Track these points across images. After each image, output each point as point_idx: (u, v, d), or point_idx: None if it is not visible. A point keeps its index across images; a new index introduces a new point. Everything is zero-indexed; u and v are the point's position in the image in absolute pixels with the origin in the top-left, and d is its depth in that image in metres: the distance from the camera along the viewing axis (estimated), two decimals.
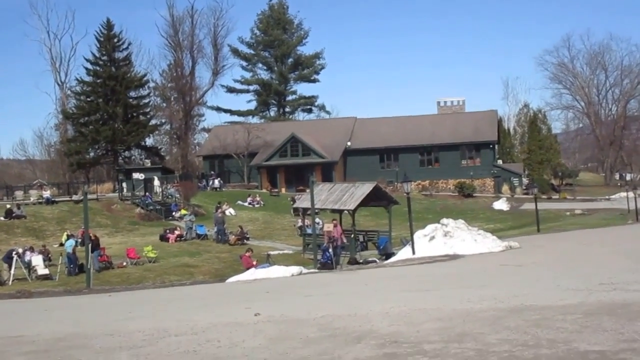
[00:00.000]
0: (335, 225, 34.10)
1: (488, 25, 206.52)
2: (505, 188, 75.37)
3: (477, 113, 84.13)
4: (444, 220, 31.51)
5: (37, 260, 33.36)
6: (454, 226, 30.68)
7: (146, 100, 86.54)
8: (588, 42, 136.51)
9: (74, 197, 57.11)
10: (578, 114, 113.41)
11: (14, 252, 32.69)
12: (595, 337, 9.00)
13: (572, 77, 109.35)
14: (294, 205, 54.60)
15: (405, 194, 32.29)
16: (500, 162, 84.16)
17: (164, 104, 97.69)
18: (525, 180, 78.54)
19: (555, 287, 14.68)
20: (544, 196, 70.05)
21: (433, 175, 78.05)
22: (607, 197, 74.44)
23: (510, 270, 20.61)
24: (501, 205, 66.10)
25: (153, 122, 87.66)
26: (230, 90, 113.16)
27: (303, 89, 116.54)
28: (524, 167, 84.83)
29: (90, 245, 29.84)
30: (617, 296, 12.64)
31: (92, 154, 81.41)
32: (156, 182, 63.74)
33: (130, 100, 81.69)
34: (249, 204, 63.91)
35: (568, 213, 58.67)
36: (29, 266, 32.59)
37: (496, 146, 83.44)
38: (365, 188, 36.81)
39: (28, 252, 34.07)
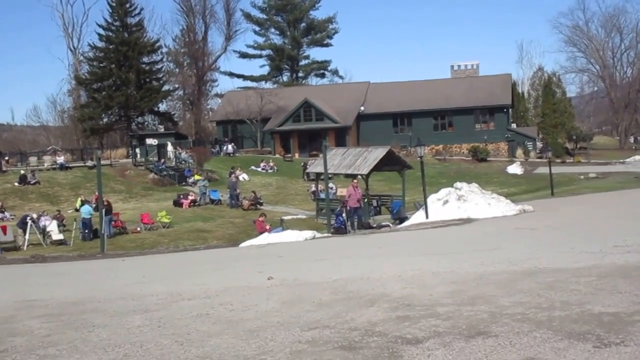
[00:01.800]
0: (355, 187, 33.87)
1: None
2: (519, 152, 75.17)
3: (491, 77, 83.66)
4: (458, 184, 31.42)
5: (51, 226, 33.55)
6: (467, 190, 30.58)
7: (159, 66, 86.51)
8: (603, 4, 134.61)
9: (88, 163, 57.25)
10: (593, 77, 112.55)
11: (28, 218, 32.87)
12: (610, 299, 8.96)
13: (586, 40, 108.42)
14: (307, 170, 54.56)
15: (418, 158, 32.20)
16: (514, 126, 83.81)
17: (177, 70, 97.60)
18: (539, 144, 78.19)
19: (569, 250, 14.62)
20: (558, 160, 69.75)
21: (447, 139, 77.83)
22: (621, 160, 74.08)
23: (524, 233, 20.55)
24: (515, 169, 65.90)
25: (166, 87, 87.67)
26: (243, 55, 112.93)
27: (316, 53, 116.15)
28: (538, 131, 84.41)
29: (104, 210, 29.95)
30: (631, 258, 12.57)
31: (105, 120, 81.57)
32: (169, 148, 63.77)
33: (143, 65, 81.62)
34: (262, 169, 63.94)
35: (582, 177, 58.43)
36: (43, 231, 32.77)
37: (510, 110, 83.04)
38: (378, 152, 36.67)
39: (42, 218, 34.24)
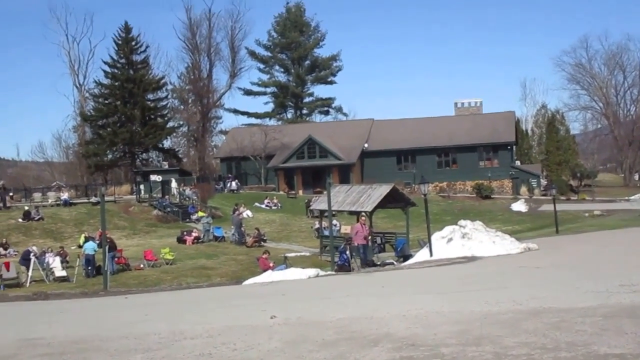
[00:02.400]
0: (363, 224, 33.79)
1: (505, 26, 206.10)
2: (523, 189, 75.05)
3: (494, 114, 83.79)
4: (462, 222, 31.34)
5: (54, 262, 33.50)
6: (471, 228, 30.51)
7: (164, 103, 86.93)
8: (606, 42, 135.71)
9: (92, 199, 57.31)
10: (596, 114, 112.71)
11: (31, 254, 32.83)
12: (616, 340, 8.87)
13: (589, 78, 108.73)
14: (310, 207, 54.54)
15: (422, 196, 32.15)
16: (518, 163, 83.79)
17: (182, 107, 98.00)
18: (543, 182, 78.14)
19: (575, 289, 14.53)
20: (562, 197, 69.66)
21: (451, 176, 77.85)
22: (626, 198, 73.88)
23: (529, 272, 20.44)
24: (519, 206, 65.76)
25: (171, 124, 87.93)
26: (248, 92, 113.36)
27: (320, 90, 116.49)
28: (542, 168, 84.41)
29: (107, 247, 29.92)
30: (638, 298, 12.48)
31: (110, 156, 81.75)
32: (174, 184, 63.86)
33: (148, 102, 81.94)
34: (266, 206, 63.92)
35: (587, 214, 58.29)
36: (46, 268, 32.72)
37: (514, 147, 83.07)
38: (382, 190, 36.64)
39: (47, 254, 34.20)
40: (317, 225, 46.30)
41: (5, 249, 41.33)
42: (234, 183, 74.28)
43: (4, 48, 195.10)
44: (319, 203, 43.10)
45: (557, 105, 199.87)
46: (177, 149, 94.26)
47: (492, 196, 72.90)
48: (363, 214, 35.93)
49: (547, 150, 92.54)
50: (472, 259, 27.03)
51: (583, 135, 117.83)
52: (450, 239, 30.10)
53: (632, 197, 72.92)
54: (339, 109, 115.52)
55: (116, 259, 34.32)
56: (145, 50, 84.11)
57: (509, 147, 78.80)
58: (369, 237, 33.85)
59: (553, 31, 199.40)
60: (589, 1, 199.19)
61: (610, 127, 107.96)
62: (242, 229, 45.48)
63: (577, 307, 11.85)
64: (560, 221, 45.36)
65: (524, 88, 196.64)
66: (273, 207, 63.66)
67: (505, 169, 77.34)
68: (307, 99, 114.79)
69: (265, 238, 45.25)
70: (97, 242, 37.30)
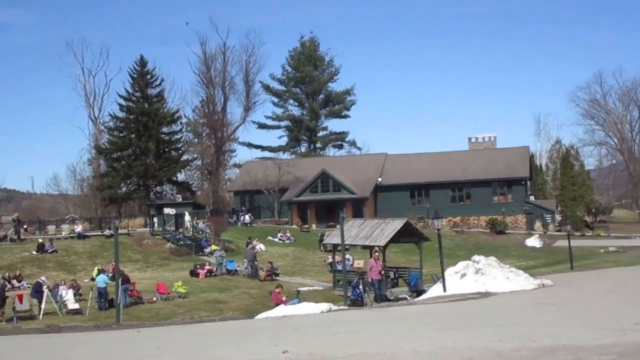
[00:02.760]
0: (377, 259, 33.74)
1: (519, 61, 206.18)
2: (537, 225, 74.69)
3: (508, 149, 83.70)
4: (476, 257, 31.21)
5: (67, 295, 33.51)
6: (485, 263, 30.36)
7: (178, 136, 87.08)
8: (620, 78, 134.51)
9: (106, 232, 57.38)
10: (611, 150, 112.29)
11: (44, 287, 32.89)
12: None
13: (604, 114, 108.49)
14: (323, 241, 54.46)
15: (436, 231, 32.06)
16: (532, 198, 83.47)
17: (196, 140, 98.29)
18: (558, 217, 77.77)
19: (590, 327, 14.41)
20: (577, 233, 69.28)
21: (465, 211, 77.62)
22: None
23: (543, 308, 20.30)
24: (534, 242, 65.44)
25: (185, 157, 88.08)
26: (262, 126, 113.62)
27: (334, 124, 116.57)
28: (556, 204, 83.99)
29: (120, 280, 29.91)
30: None
31: (124, 189, 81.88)
32: (187, 217, 63.88)
33: (163, 135, 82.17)
34: (279, 239, 63.83)
35: (602, 250, 57.90)
36: (59, 300, 32.73)
37: (528, 182, 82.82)
38: (395, 224, 36.58)
39: (60, 287, 34.23)
40: (330, 260, 46.19)
41: (19, 281, 41.37)
42: (247, 216, 74.30)
43: (20, 81, 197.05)
44: (332, 237, 43.02)
45: (572, 140, 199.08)
46: (191, 182, 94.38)
47: (506, 231, 72.59)
48: (376, 248, 35.87)
49: (561, 186, 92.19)
50: (486, 294, 26.88)
51: (598, 171, 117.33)
52: (463, 275, 29.95)
53: None
54: (353, 143, 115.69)
55: (129, 292, 34.29)
56: (160, 84, 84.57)
57: (523, 182, 78.57)
58: (383, 272, 33.68)
59: (567, 66, 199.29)
60: (603, 36, 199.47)
61: (626, 163, 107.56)
62: (256, 262, 45.45)
63: (593, 345, 11.75)
64: (575, 257, 45.08)
65: (538, 123, 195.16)
66: (286, 241, 63.57)
67: (520, 204, 77.05)
68: (320, 133, 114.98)
69: (278, 272, 45.15)
70: (110, 274, 37.41)
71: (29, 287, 38.95)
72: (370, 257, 35.17)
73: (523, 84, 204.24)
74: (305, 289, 38.28)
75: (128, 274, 37.17)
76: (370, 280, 33.06)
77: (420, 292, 32.63)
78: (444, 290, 29.13)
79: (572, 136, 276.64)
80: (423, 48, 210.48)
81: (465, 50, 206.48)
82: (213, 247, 53.64)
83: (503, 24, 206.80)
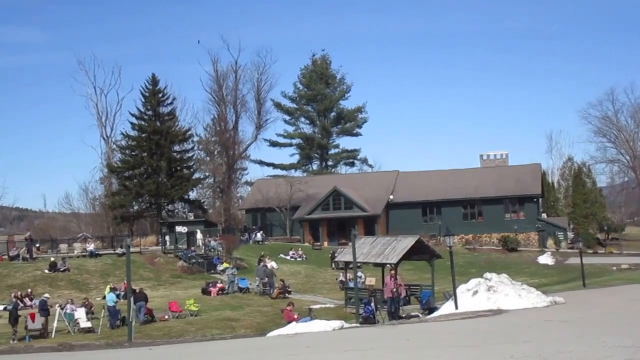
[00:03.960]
0: (391, 277, 33.73)
1: (530, 78, 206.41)
2: (550, 242, 74.51)
3: (520, 167, 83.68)
4: (487, 275, 31.15)
5: (79, 313, 33.61)
6: (497, 281, 30.30)
7: (190, 154, 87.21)
8: (632, 95, 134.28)
9: (118, 250, 57.50)
10: (623, 167, 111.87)
11: (57, 305, 33.03)
12: None
13: (616, 131, 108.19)
14: (335, 259, 54.49)
15: (448, 248, 32.05)
16: (544, 215, 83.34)
17: (208, 158, 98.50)
18: (570, 234, 77.52)
19: (602, 344, 14.37)
20: (589, 250, 69.05)
21: (476, 229, 77.45)
22: None
23: (555, 326, 20.24)
24: (546, 259, 65.29)
25: (196, 175, 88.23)
26: (273, 144, 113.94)
27: (345, 142, 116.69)
28: (568, 221, 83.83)
29: (132, 298, 29.97)
30: None
31: (136, 207, 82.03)
32: (199, 235, 64.01)
33: (174, 154, 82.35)
34: (291, 257, 63.87)
35: (614, 268, 57.69)
36: (70, 319, 32.82)
37: (540, 200, 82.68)
38: (407, 241, 36.61)
39: (69, 306, 34.32)
40: (341, 277, 46.19)
41: (31, 299, 41.49)
42: (259, 234, 74.41)
43: (31, 100, 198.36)
44: (344, 255, 43.04)
45: (584, 157, 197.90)
46: (202, 200, 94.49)
47: (519, 249, 72.42)
48: (388, 266, 35.86)
49: (573, 203, 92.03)
50: (498, 312, 26.81)
51: (610, 188, 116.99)
52: (475, 292, 29.89)
53: None
54: (364, 161, 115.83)
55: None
56: (172, 102, 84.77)
57: (535, 200, 78.45)
58: (395, 290, 33.52)
59: (579, 84, 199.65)
60: (615, 53, 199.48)
61: (638, 180, 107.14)
62: (273, 279, 45.53)
63: None
64: (587, 275, 44.90)
65: (550, 140, 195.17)
66: (298, 259, 63.62)
67: (532, 221, 76.90)
68: (332, 151, 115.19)
69: (290, 290, 45.16)
70: (122, 293, 37.57)
71: None
72: (383, 275, 35.20)
73: (535, 101, 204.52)
74: (317, 306, 38.29)
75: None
76: (385, 297, 33.07)
77: (432, 310, 32.61)
78: (456, 307, 29.08)
79: (584, 153, 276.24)
80: (434, 65, 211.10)
81: (477, 68, 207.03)
82: (225, 265, 53.71)
83: (515, 41, 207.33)
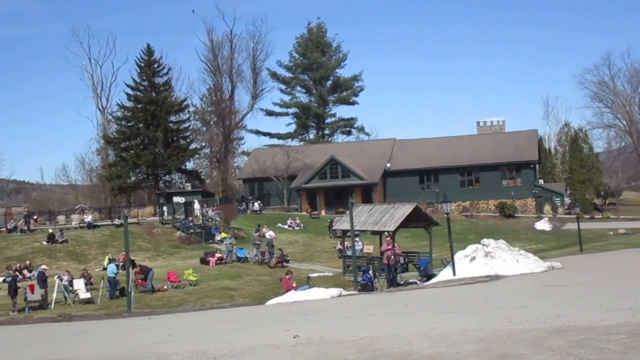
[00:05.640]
0: (388, 244, 33.71)
1: (527, 44, 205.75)
2: (547, 208, 74.63)
3: (517, 133, 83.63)
4: (485, 241, 31.25)
5: (78, 284, 33.69)
6: (495, 247, 30.41)
7: (186, 125, 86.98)
8: (629, 59, 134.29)
9: (115, 221, 57.55)
10: (620, 132, 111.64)
11: (56, 277, 33.12)
12: None
13: (613, 96, 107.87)
14: (333, 227, 54.55)
15: (445, 215, 32.09)
16: (541, 182, 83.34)
17: (204, 128, 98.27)
18: (567, 200, 77.64)
19: (598, 307, 14.44)
20: (586, 216, 69.23)
21: (474, 195, 77.54)
22: None
23: (552, 290, 20.33)
24: (543, 225, 65.44)
25: (193, 146, 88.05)
26: (270, 113, 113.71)
27: (342, 111, 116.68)
28: (565, 187, 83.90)
29: (130, 268, 30.05)
30: None
31: (133, 178, 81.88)
32: (196, 206, 63.98)
33: (171, 124, 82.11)
34: (289, 226, 63.96)
35: (611, 233, 57.86)
36: (66, 289, 32.91)
37: (537, 166, 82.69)
38: (405, 209, 36.63)
39: (64, 277, 34.38)
40: (339, 246, 46.26)
41: (30, 271, 41.55)
42: (256, 204, 74.42)
43: (26, 72, 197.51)
44: (342, 223, 43.08)
45: (580, 123, 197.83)
46: (199, 171, 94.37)
47: (516, 215, 72.57)
48: (386, 233, 35.89)
49: (570, 169, 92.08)
50: (496, 277, 26.92)
51: (607, 154, 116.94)
52: (473, 258, 30.01)
53: None
54: (361, 129, 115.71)
55: (139, 281, 34.55)
56: (167, 73, 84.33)
57: (532, 166, 78.48)
58: (392, 257, 33.50)
59: (575, 49, 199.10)
60: (611, 18, 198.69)
61: (634, 145, 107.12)
62: (272, 248, 45.56)
63: (601, 325, 11.78)
64: (584, 240, 45.05)
65: (547, 106, 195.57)
66: (296, 228, 63.69)
67: (529, 187, 76.98)
68: (329, 120, 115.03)
69: (288, 258, 45.23)
70: (120, 263, 37.68)
71: None
72: (381, 243, 35.22)
73: (531, 67, 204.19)
74: (316, 275, 38.37)
75: (138, 263, 37.50)
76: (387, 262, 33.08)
77: (430, 277, 32.71)
78: (454, 274, 29.21)
79: (580, 119, 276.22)
80: (431, 33, 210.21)
81: (473, 35, 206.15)
82: (223, 234, 53.75)
83: (511, 8, 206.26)
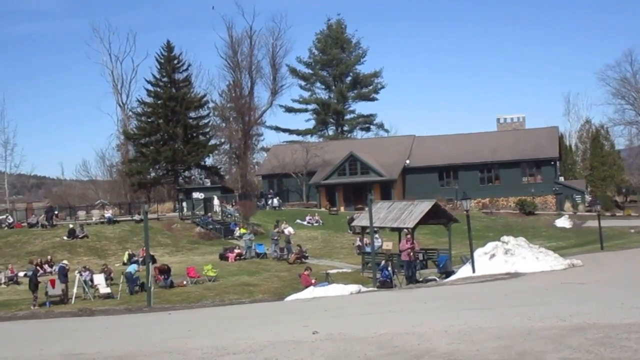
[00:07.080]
0: (407, 241, 33.66)
1: (548, 41, 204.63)
2: (567, 205, 74.22)
3: (537, 130, 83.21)
4: (505, 238, 31.15)
5: (98, 279, 33.91)
6: (514, 244, 30.31)
7: (206, 121, 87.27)
8: None
9: (135, 217, 57.80)
10: None
11: (77, 272, 33.34)
12: None
13: (635, 92, 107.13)
14: (352, 224, 54.55)
15: (464, 212, 32.00)
16: (562, 179, 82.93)
17: (223, 124, 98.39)
18: (588, 197, 77.18)
19: (619, 305, 14.36)
20: (607, 213, 68.78)
21: (493, 192, 77.24)
22: None
23: (573, 288, 20.24)
24: (563, 222, 65.11)
25: (212, 142, 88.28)
26: (289, 109, 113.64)
27: (361, 107, 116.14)
28: (586, 184, 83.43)
29: (150, 264, 30.17)
30: None
31: (152, 174, 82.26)
32: (216, 202, 64.14)
33: (190, 120, 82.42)
34: (308, 222, 63.96)
35: (632, 230, 57.48)
36: (85, 284, 33.13)
37: (557, 163, 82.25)
38: (424, 206, 36.55)
39: (83, 273, 34.58)
40: (358, 242, 46.26)
41: (51, 266, 41.83)
42: (275, 200, 74.45)
43: (47, 68, 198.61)
44: (361, 220, 43.07)
45: (602, 120, 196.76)
46: (219, 167, 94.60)
47: (536, 212, 72.19)
48: (405, 230, 35.84)
49: (591, 166, 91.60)
50: (515, 275, 26.83)
51: (628, 151, 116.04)
52: (493, 255, 29.93)
53: None
54: (381, 126, 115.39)
55: (158, 276, 34.73)
56: (187, 69, 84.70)
57: (552, 163, 78.06)
58: (412, 253, 33.43)
59: (597, 45, 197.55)
60: (633, 15, 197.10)
61: None
62: (290, 244, 45.72)
63: (622, 323, 11.72)
64: (605, 237, 44.80)
65: (568, 103, 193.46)
66: (315, 224, 63.68)
67: (549, 184, 76.59)
68: (348, 116, 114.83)
69: (307, 255, 45.30)
70: (139, 259, 37.93)
71: None
72: (400, 240, 35.17)
73: (552, 63, 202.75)
74: (334, 271, 38.41)
75: (158, 258, 37.69)
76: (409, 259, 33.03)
77: (449, 274, 32.64)
78: (473, 271, 29.14)
79: (602, 116, 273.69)
80: (451, 29, 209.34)
81: (494, 31, 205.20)
82: (242, 230, 53.90)
83: (532, 4, 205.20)
